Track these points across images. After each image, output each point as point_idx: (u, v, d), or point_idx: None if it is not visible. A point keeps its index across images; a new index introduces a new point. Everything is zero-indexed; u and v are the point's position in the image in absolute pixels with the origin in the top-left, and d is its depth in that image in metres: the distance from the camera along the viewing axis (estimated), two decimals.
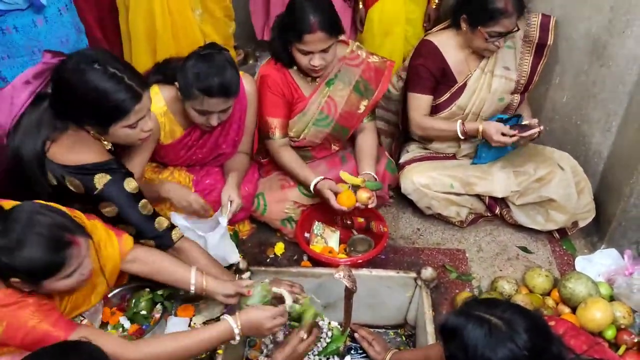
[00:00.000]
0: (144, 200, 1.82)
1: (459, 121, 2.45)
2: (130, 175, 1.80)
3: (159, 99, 2.06)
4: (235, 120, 2.24)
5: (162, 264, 1.84)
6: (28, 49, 2.15)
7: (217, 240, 2.08)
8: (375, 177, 2.33)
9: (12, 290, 1.45)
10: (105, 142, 1.79)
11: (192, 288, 1.82)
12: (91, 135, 1.75)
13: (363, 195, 2.19)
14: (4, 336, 1.42)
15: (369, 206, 2.22)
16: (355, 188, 2.21)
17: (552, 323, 1.52)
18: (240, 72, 2.12)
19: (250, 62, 3.49)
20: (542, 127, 2.31)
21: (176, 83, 1.99)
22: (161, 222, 1.86)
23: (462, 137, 2.46)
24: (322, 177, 2.26)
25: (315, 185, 2.25)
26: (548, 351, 1.20)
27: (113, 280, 1.79)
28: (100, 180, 1.72)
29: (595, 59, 2.40)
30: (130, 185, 1.77)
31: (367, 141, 2.45)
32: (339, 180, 2.24)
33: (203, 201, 2.14)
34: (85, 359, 1.26)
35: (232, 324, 1.65)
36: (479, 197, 2.56)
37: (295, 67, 2.30)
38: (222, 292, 1.83)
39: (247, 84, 2.25)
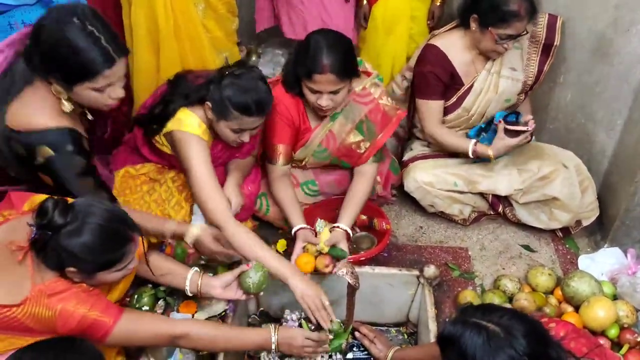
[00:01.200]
0: (89, 178, 1.77)
1: (473, 141, 2.42)
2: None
3: (195, 119, 2.02)
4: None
5: (165, 264, 1.87)
6: None
7: None
8: (350, 232, 2.21)
9: (62, 280, 1.47)
10: (66, 103, 1.71)
11: (187, 284, 1.85)
12: (52, 92, 1.69)
13: (321, 262, 2.09)
14: (58, 323, 1.45)
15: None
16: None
17: (552, 325, 1.52)
18: None
19: (253, 58, 3.48)
20: (530, 127, 2.31)
21: (207, 103, 1.98)
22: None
23: (471, 156, 2.44)
24: (303, 226, 2.19)
25: (295, 233, 2.20)
26: (547, 355, 1.20)
27: (129, 283, 1.79)
28: (44, 152, 1.67)
29: (600, 57, 2.40)
30: (77, 162, 1.72)
31: (359, 187, 2.33)
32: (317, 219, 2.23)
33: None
34: (84, 356, 1.31)
35: (272, 334, 1.73)
36: (482, 195, 2.56)
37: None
38: (221, 282, 1.86)
39: None
